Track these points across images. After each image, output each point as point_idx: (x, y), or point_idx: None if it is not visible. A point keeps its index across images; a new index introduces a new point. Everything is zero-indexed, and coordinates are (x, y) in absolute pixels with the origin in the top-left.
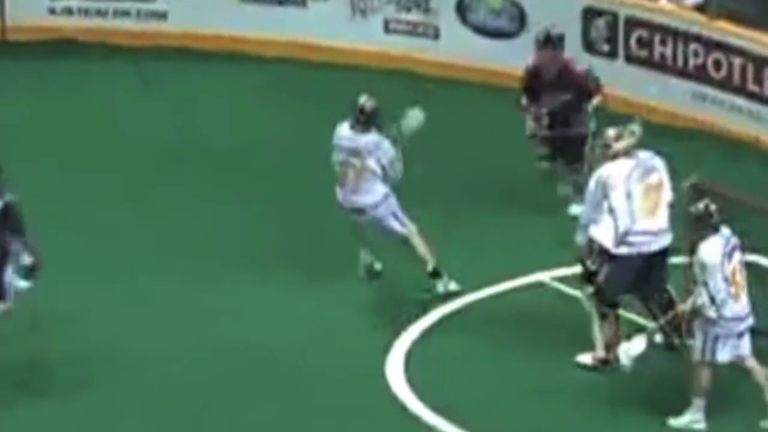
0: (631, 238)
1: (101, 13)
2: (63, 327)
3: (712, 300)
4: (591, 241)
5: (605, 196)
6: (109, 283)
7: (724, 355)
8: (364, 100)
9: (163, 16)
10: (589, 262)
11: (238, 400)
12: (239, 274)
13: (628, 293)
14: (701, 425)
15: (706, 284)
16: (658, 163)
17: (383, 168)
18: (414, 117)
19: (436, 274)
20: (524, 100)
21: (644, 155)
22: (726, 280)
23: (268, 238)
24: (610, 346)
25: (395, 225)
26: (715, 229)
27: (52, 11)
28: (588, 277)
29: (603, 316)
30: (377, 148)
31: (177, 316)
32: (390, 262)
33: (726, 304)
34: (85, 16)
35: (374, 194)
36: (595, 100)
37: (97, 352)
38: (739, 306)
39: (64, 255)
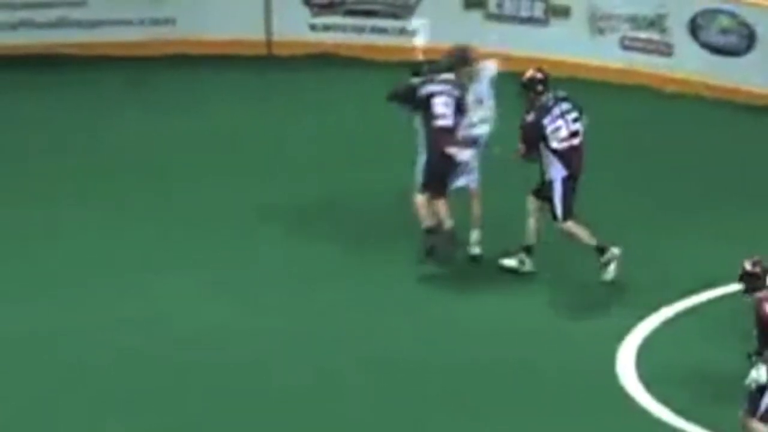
0: None
1: (358, 30)
2: None
3: None
4: None
5: None
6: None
7: None
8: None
9: (414, 33)
10: None
11: (473, 395)
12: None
13: None
14: None
15: None
16: None
17: None
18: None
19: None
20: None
21: None
22: None
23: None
24: None
25: None
26: None
27: (313, 27)
28: None
29: None
30: None
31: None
32: (625, 257)
33: None
34: (342, 33)
35: None
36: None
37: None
38: None
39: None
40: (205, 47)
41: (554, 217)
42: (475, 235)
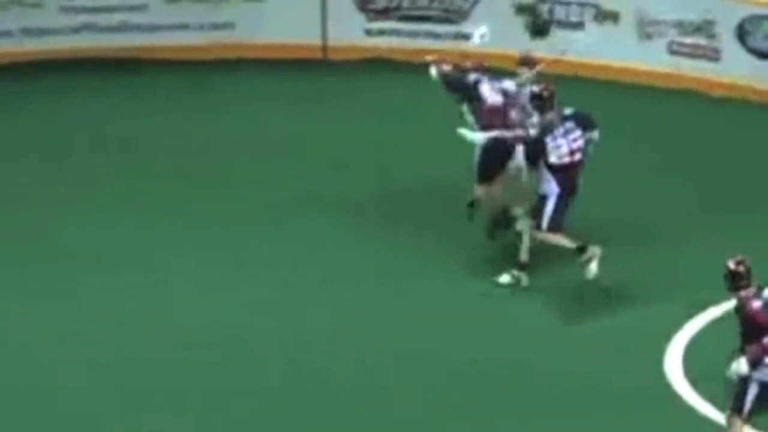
0: None
1: (412, 35)
2: None
3: None
4: None
5: None
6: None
7: None
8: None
9: (466, 37)
10: None
11: (516, 392)
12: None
13: None
14: None
15: None
16: None
17: None
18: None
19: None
20: None
21: None
22: None
23: None
24: None
25: None
26: None
27: (369, 32)
28: None
29: None
30: None
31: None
32: (671, 258)
33: None
34: (397, 37)
35: None
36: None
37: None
38: None
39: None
40: (263, 51)
41: (538, 225)
42: (518, 211)
